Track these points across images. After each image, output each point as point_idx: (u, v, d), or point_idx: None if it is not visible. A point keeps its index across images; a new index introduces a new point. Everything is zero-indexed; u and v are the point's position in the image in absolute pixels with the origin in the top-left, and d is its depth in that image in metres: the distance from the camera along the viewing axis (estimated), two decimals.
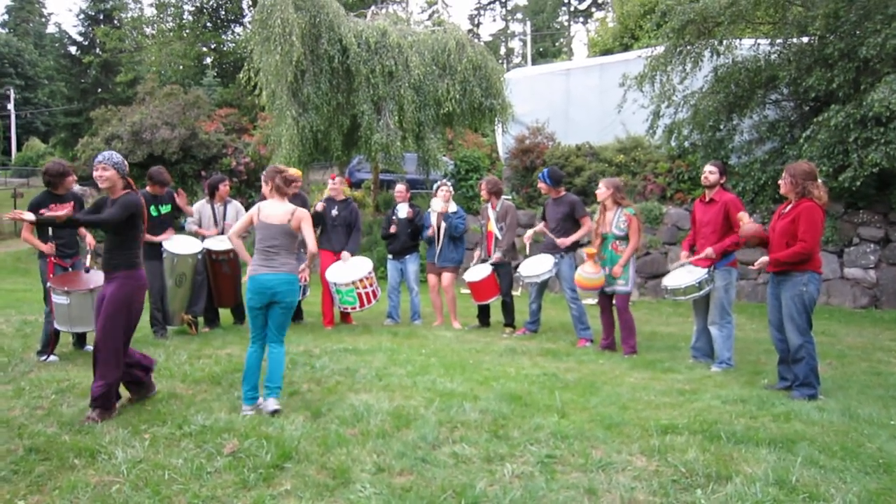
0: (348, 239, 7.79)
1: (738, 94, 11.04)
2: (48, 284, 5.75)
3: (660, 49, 11.70)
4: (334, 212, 7.76)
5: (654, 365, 5.92)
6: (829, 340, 7.35)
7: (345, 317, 7.96)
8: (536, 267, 7.12)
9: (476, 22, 55.00)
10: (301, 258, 7.77)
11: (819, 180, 4.96)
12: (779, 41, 10.81)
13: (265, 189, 4.66)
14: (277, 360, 4.42)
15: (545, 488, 3.11)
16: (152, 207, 6.74)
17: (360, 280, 7.34)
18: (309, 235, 4.60)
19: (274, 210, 4.54)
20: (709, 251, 5.70)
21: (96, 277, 5.86)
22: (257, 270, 4.43)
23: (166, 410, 4.27)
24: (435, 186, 8.08)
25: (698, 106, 11.27)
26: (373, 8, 14.29)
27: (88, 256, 6.28)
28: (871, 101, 8.54)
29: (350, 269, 7.50)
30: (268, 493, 3.09)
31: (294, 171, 8.08)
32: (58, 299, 5.59)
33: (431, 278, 8.05)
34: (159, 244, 6.69)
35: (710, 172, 5.88)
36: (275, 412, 4.20)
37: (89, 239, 6.47)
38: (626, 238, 6.33)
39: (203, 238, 7.23)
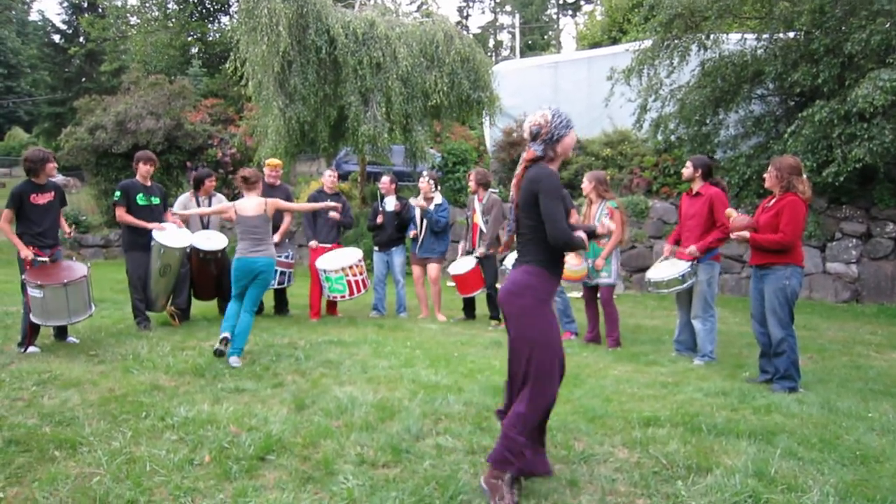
0: (338, 233, 7.91)
1: (724, 89, 11.08)
2: (23, 276, 5.66)
3: (647, 43, 11.71)
4: None
5: (637, 358, 5.97)
6: (810, 335, 7.42)
7: (331, 308, 7.94)
8: None
9: (465, 14, 54.86)
10: (284, 246, 7.78)
11: (804, 175, 5.01)
12: (765, 36, 10.87)
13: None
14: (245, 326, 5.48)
15: (527, 480, 3.12)
16: (140, 196, 6.67)
17: (350, 267, 7.33)
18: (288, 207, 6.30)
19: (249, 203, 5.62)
20: (692, 249, 5.73)
21: (74, 270, 5.78)
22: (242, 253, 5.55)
23: (149, 402, 4.24)
24: (420, 178, 8.12)
25: (685, 100, 11.32)
26: None
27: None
28: (855, 97, 8.60)
29: (340, 257, 7.51)
30: (250, 485, 3.08)
31: (273, 161, 8.05)
32: (32, 292, 5.51)
33: (416, 270, 8.08)
34: (146, 235, 6.61)
35: (685, 167, 6.01)
36: (234, 366, 5.17)
37: (66, 228, 6.29)
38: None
39: (188, 223, 7.18)
